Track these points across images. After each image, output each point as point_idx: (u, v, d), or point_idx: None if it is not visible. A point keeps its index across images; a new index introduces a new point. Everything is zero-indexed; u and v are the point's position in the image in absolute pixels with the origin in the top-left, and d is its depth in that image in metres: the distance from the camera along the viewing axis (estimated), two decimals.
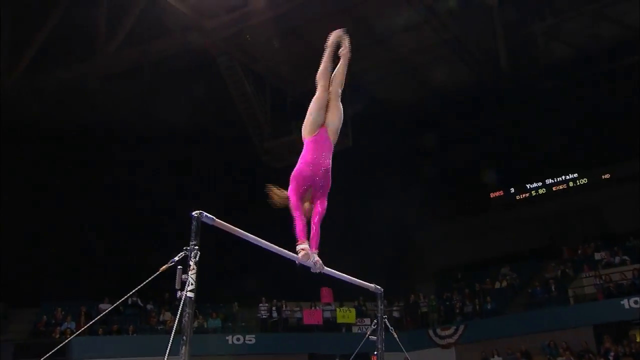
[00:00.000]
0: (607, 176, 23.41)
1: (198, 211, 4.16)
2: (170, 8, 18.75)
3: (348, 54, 5.67)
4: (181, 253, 3.99)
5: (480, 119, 23.36)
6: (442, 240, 24.96)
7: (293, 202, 5.23)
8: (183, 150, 22.49)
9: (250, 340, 20.08)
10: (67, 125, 20.44)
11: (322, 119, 5.51)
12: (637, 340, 17.58)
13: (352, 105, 23.41)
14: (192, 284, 3.93)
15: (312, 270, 5.20)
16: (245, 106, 22.69)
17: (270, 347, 20.04)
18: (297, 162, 5.42)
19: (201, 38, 20.04)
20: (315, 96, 5.59)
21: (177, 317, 3.88)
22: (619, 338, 17.72)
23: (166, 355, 3.88)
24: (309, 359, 20.78)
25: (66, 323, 18.79)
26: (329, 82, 5.61)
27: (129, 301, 20.66)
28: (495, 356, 19.09)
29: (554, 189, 24.50)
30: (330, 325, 21.04)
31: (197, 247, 4.03)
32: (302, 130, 5.55)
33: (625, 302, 17.98)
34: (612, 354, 17.04)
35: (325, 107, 5.56)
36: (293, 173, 5.38)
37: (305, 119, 5.54)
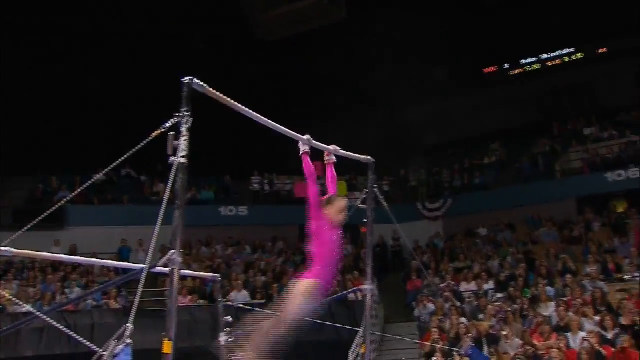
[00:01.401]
0: (603, 51, 23.06)
1: (189, 77, 4.09)
2: None
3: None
4: (172, 119, 3.96)
5: None
6: (434, 116, 24.90)
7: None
8: (176, 23, 21.87)
9: (243, 212, 20.58)
10: None
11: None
12: (618, 210, 18.15)
13: None
14: (184, 150, 3.94)
15: (302, 143, 5.25)
16: None
17: (262, 219, 20.57)
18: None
19: None
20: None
21: (170, 182, 3.91)
22: (600, 210, 18.28)
23: (158, 222, 3.94)
24: (299, 230, 21.41)
25: (61, 192, 19.11)
26: None
27: (123, 172, 20.95)
28: (481, 228, 19.72)
29: (548, 64, 24.20)
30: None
31: (188, 114, 4.00)
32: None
33: (609, 175, 18.38)
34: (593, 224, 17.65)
35: None
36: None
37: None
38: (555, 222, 18.54)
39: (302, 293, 4.75)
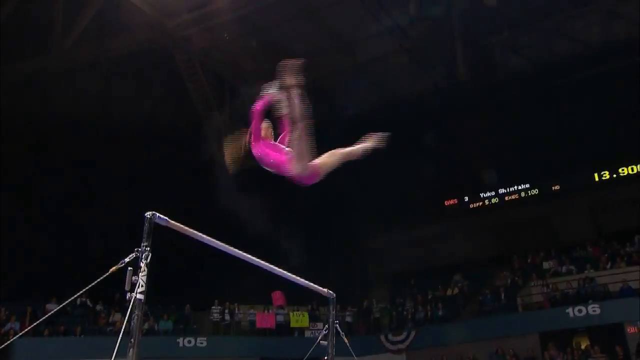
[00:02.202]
0: (556, 187, 24.00)
1: (151, 212, 4.11)
2: (130, 5, 18.48)
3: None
4: (132, 254, 3.94)
5: (437, 128, 23.67)
6: (396, 247, 25.18)
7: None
8: (138, 149, 22.11)
9: (202, 343, 19.88)
10: (18, 121, 19.91)
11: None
12: (582, 347, 18.07)
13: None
14: (142, 286, 3.89)
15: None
16: (203, 106, 22.50)
17: (222, 351, 19.87)
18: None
19: (161, 37, 19.82)
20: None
21: (126, 318, 3.82)
22: (564, 345, 18.20)
23: (113, 357, 3.82)
24: None
25: (10, 323, 18.26)
26: None
27: (78, 302, 20.24)
28: None
29: (506, 198, 24.99)
30: (283, 329, 21.02)
31: (148, 249, 3.98)
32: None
33: (570, 310, 18.48)
34: None
35: None
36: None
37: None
38: (519, 357, 18.32)
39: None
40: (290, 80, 4.95)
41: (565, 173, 23.67)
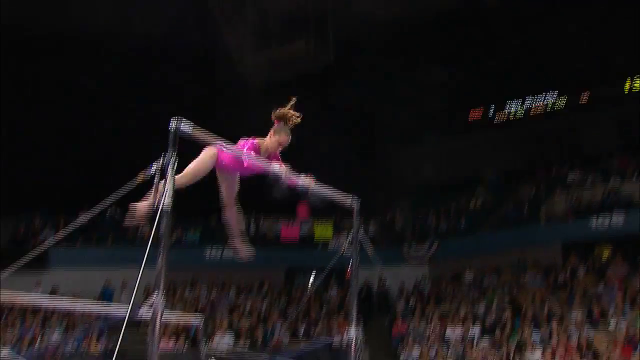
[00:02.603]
0: (585, 98, 23.49)
1: (176, 118, 4.10)
2: None
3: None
4: (159, 162, 3.97)
5: (461, 38, 23.04)
6: (420, 159, 25.12)
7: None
8: (158, 64, 21.99)
9: (228, 254, 20.40)
10: (37, 33, 19.79)
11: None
12: (603, 257, 18.21)
13: (335, 22, 23.00)
14: (169, 193, 3.93)
15: (283, 178, 5.20)
16: (225, 19, 22.09)
17: (247, 261, 20.38)
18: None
19: None
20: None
21: (154, 226, 3.90)
22: (585, 255, 18.35)
23: (142, 265, 3.91)
24: (285, 274, 21.29)
25: (44, 233, 18.91)
26: None
27: (107, 213, 20.79)
28: (467, 272, 19.69)
29: (532, 110, 24.59)
30: (308, 241, 21.43)
31: (175, 156, 4.00)
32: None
33: (593, 220, 18.50)
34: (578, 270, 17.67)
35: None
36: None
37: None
38: (540, 267, 18.56)
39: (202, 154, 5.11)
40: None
41: (594, 83, 23.09)
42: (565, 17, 21.64)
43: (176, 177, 4.38)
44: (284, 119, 5.21)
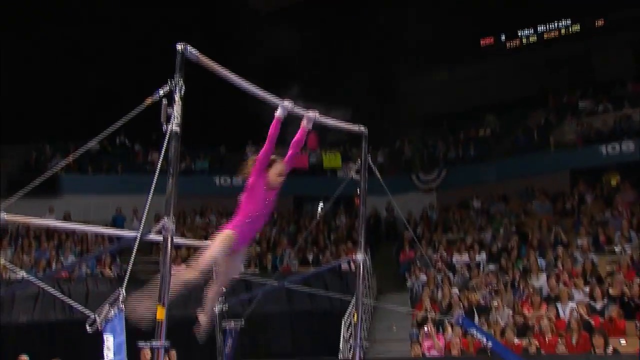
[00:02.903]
0: (600, 23, 22.92)
1: (182, 44, 4.06)
2: None
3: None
4: (165, 87, 3.95)
5: None
6: (429, 87, 24.85)
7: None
8: None
9: (238, 182, 20.53)
10: None
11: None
12: (612, 184, 18.22)
13: None
14: (177, 118, 3.94)
15: (280, 107, 5.11)
16: None
17: None
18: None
19: None
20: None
21: (163, 150, 3.92)
22: (593, 182, 18.37)
23: (151, 189, 3.95)
24: (294, 201, 21.47)
25: (55, 160, 19.08)
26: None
27: (117, 141, 20.89)
28: (475, 200, 19.79)
29: (545, 36, 24.07)
30: (316, 169, 21.48)
31: (181, 81, 3.98)
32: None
33: (603, 148, 18.41)
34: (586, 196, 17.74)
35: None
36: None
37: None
38: (548, 194, 18.62)
39: (217, 242, 4.76)
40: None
41: (609, 8, 22.46)
42: None
43: (184, 272, 4.54)
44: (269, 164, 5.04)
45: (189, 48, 4.11)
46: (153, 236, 4.22)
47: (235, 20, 22.58)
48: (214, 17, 22.71)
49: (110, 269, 15.40)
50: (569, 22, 23.54)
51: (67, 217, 17.36)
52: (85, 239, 16.71)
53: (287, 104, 5.08)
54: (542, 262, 14.37)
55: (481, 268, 15.29)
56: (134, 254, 3.89)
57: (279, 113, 5.04)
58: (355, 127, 6.63)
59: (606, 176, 18.59)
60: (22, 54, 19.67)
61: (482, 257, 15.88)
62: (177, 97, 3.94)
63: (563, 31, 23.73)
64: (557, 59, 23.61)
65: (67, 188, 18.49)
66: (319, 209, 20.86)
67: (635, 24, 21.89)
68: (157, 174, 3.91)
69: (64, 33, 20.61)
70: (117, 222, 18.19)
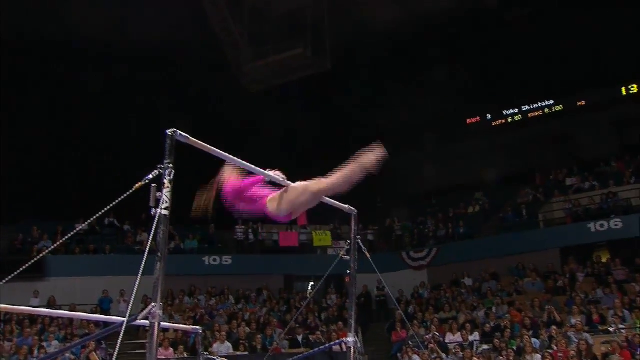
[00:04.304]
0: (582, 103, 23.54)
1: (172, 129, 4.12)
2: None
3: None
4: (155, 171, 3.98)
5: (457, 45, 23.14)
6: (417, 165, 25.15)
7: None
8: (158, 71, 22.02)
9: (227, 261, 20.39)
10: (41, 39, 19.87)
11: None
12: (603, 260, 18.22)
13: (332, 28, 23.11)
14: (166, 202, 3.94)
15: (278, 180, 5.16)
16: (222, 27, 22.16)
17: (246, 268, 20.40)
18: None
19: None
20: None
21: (152, 234, 3.90)
22: (584, 260, 18.37)
23: (139, 272, 3.91)
24: (284, 280, 21.27)
25: (43, 242, 18.88)
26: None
27: (106, 221, 20.78)
28: (466, 278, 19.69)
29: (529, 115, 24.63)
30: (306, 247, 21.41)
31: (171, 165, 4.01)
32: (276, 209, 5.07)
33: (591, 225, 18.52)
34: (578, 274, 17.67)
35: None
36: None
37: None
38: (539, 272, 18.57)
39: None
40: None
41: (590, 88, 23.15)
42: (558, 26, 21.79)
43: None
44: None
45: (179, 132, 4.16)
46: (140, 322, 4.13)
47: (227, 101, 23.01)
48: (206, 98, 23.12)
49: (96, 353, 14.97)
50: (552, 102, 24.15)
51: (52, 301, 17.04)
52: (70, 323, 16.33)
53: (275, 174, 5.14)
54: (535, 341, 14.16)
55: (474, 348, 15.03)
56: (120, 339, 3.80)
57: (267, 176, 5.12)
58: (345, 207, 6.65)
59: (596, 254, 18.63)
60: (11, 136, 19.75)
61: (475, 337, 15.64)
62: (166, 181, 3.96)
63: (547, 110, 24.31)
64: (542, 138, 24.08)
65: (53, 270, 18.16)
66: (309, 288, 20.66)
67: (615, 103, 22.53)
68: (145, 256, 3.88)
69: (51, 114, 20.86)
70: (103, 305, 17.82)
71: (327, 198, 6.08)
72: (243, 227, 21.24)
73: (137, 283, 3.87)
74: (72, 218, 18.81)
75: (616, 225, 18.14)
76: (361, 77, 24.09)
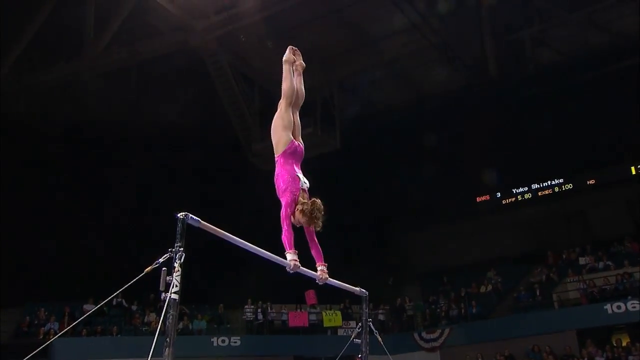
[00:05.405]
0: (592, 182, 23.55)
1: (183, 213, 4.15)
2: (160, 8, 18.67)
3: (301, 66, 5.86)
4: (166, 255, 3.99)
5: (467, 124, 23.46)
6: (428, 244, 25.02)
7: (286, 213, 5.26)
8: (171, 152, 22.36)
9: (236, 342, 20.02)
10: (54, 125, 20.32)
11: (290, 135, 5.56)
12: (623, 344, 17.71)
13: (341, 107, 23.61)
14: (176, 286, 3.93)
15: (287, 269, 5.22)
16: (234, 108, 22.65)
17: (255, 349, 20.00)
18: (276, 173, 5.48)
19: (190, 39, 20.01)
20: (280, 114, 5.66)
21: (161, 318, 3.87)
22: (602, 342, 17.86)
23: (149, 356, 3.86)
24: None
25: (50, 324, 18.65)
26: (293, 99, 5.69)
27: (114, 302, 20.56)
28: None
29: (539, 194, 24.61)
30: (316, 327, 21.05)
31: (181, 249, 4.02)
32: (275, 149, 5.59)
33: (608, 307, 18.12)
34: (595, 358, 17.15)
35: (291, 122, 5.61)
36: (281, 186, 5.42)
37: (277, 140, 5.58)
38: (556, 355, 18.06)
39: None
40: None
41: (600, 167, 23.22)
42: (568, 106, 22.11)
43: None
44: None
45: (190, 215, 4.19)
46: None
47: (236, 180, 23.20)
48: (214, 179, 23.32)
49: None
50: (561, 180, 24.17)
51: None
52: None
53: (293, 264, 5.18)
54: None
55: None
56: None
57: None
58: (356, 290, 6.61)
59: (616, 336, 18.14)
60: (17, 217, 19.80)
61: None
62: (176, 265, 3.96)
63: (557, 189, 24.29)
64: (553, 216, 23.98)
65: (58, 354, 17.77)
66: None
67: (625, 182, 22.51)
68: (155, 339, 3.84)
69: (60, 197, 20.99)
70: None
71: (337, 281, 6.06)
72: (252, 306, 20.97)
73: None
74: (80, 298, 18.70)
75: (634, 307, 17.71)
76: (370, 156, 24.36)
